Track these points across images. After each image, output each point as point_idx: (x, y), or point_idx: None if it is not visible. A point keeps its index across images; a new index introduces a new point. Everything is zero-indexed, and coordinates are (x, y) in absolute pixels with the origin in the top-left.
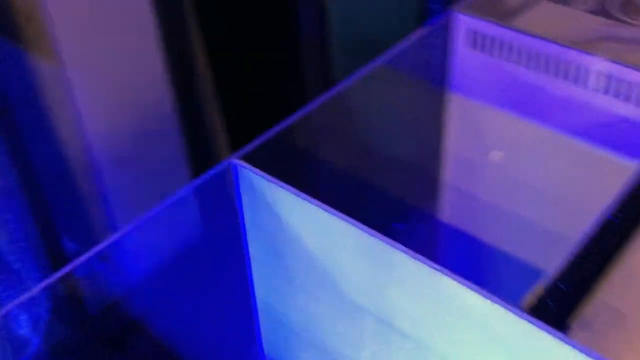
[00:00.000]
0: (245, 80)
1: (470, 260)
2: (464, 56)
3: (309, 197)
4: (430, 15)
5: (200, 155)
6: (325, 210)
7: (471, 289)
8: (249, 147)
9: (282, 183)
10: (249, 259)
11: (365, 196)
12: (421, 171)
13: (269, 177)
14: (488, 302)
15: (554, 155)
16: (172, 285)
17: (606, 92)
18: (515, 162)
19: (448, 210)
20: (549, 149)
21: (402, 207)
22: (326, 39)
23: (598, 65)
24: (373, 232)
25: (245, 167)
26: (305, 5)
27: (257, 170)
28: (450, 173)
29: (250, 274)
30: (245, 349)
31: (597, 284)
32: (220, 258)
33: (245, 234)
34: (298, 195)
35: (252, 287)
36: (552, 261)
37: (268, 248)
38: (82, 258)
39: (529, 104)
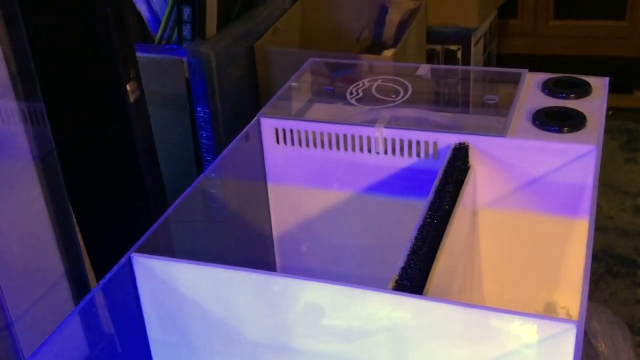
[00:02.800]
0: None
1: None
2: (272, 150)
3: (204, 263)
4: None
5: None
6: (218, 267)
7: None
8: (140, 241)
9: (178, 259)
10: (149, 343)
11: None
12: (257, 259)
13: (166, 258)
14: (365, 291)
15: (360, 212)
16: None
17: (386, 152)
18: (332, 228)
19: None
20: (354, 209)
21: None
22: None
23: (377, 133)
24: (260, 270)
25: (142, 256)
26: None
27: (154, 256)
28: (281, 255)
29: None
30: None
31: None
32: (123, 353)
33: (144, 320)
34: (195, 264)
35: None
36: None
37: (169, 325)
38: None
39: (329, 177)
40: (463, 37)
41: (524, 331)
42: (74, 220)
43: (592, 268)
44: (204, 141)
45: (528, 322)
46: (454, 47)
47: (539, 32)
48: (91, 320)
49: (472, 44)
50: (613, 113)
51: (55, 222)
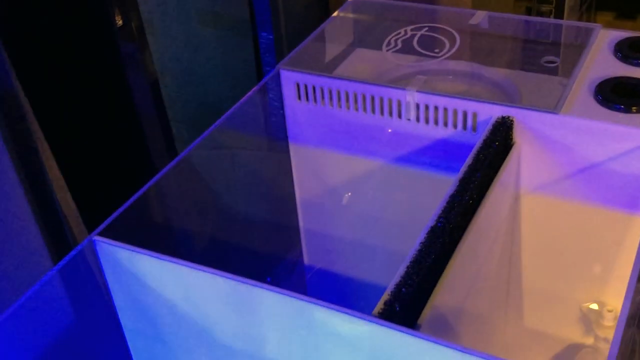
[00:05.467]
0: (93, 165)
1: (333, 291)
2: (294, 107)
3: (169, 258)
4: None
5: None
6: (187, 266)
7: (327, 307)
8: (106, 223)
9: (142, 250)
10: (124, 331)
11: (229, 255)
12: (279, 222)
13: (129, 246)
14: (340, 314)
15: (386, 183)
16: None
17: (418, 119)
18: (356, 196)
19: (310, 254)
20: (380, 179)
21: (267, 260)
22: (164, 113)
23: (408, 97)
24: (234, 276)
25: (105, 242)
26: (139, 86)
27: (117, 243)
28: (306, 219)
29: (128, 347)
30: None
31: (435, 284)
32: (96, 339)
33: (115, 308)
34: (159, 258)
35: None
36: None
37: (140, 316)
38: None
39: (356, 142)
40: None
41: None
42: (55, 195)
43: None
44: (268, 68)
45: None
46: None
47: None
48: (47, 307)
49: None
50: None
51: (33, 199)
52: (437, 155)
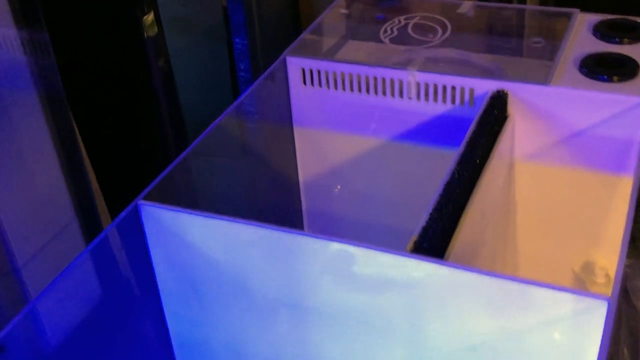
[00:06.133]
0: (118, 152)
1: None
2: (299, 92)
3: (212, 214)
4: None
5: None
6: (229, 220)
7: (368, 248)
8: (148, 189)
9: (185, 209)
10: (160, 295)
11: None
12: (284, 203)
13: (173, 207)
14: (380, 253)
15: (388, 160)
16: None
17: (419, 97)
18: (360, 175)
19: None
20: (382, 156)
21: None
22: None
23: (409, 77)
24: (272, 225)
25: (149, 205)
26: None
27: (161, 205)
28: (309, 200)
29: (164, 310)
30: None
31: (457, 226)
32: (132, 302)
33: (154, 271)
34: (202, 216)
35: (167, 322)
36: None
37: (178, 277)
38: None
39: (358, 122)
40: None
41: (550, 304)
42: (86, 160)
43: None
44: (242, 74)
45: (556, 295)
46: None
47: None
48: (98, 266)
49: None
50: None
51: (64, 163)
52: (438, 130)
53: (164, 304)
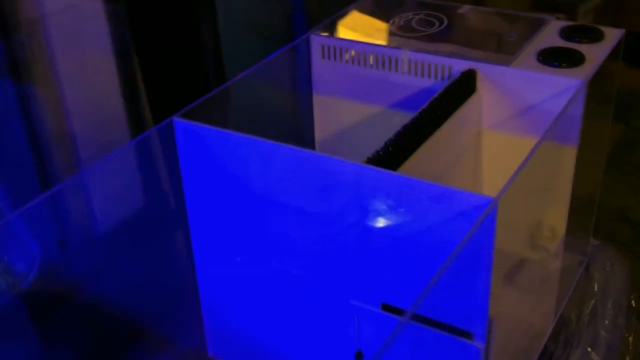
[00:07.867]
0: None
1: None
2: (319, 65)
3: (247, 135)
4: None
5: None
6: (266, 140)
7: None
8: (186, 109)
9: (222, 129)
10: (188, 214)
11: None
12: None
13: (208, 126)
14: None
15: (383, 126)
16: (112, 247)
17: (410, 72)
18: (368, 137)
19: None
20: (379, 122)
21: None
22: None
23: (403, 55)
24: (307, 150)
25: (184, 122)
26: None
27: (196, 123)
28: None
29: (190, 230)
30: (187, 310)
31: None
32: (160, 217)
33: (184, 189)
34: (238, 134)
35: (192, 238)
36: None
37: (208, 198)
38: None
39: (365, 92)
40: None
41: (444, 203)
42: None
43: None
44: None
45: (448, 194)
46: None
47: None
48: (129, 171)
49: (580, 15)
50: None
51: (121, 74)
52: (424, 99)
53: (190, 222)
